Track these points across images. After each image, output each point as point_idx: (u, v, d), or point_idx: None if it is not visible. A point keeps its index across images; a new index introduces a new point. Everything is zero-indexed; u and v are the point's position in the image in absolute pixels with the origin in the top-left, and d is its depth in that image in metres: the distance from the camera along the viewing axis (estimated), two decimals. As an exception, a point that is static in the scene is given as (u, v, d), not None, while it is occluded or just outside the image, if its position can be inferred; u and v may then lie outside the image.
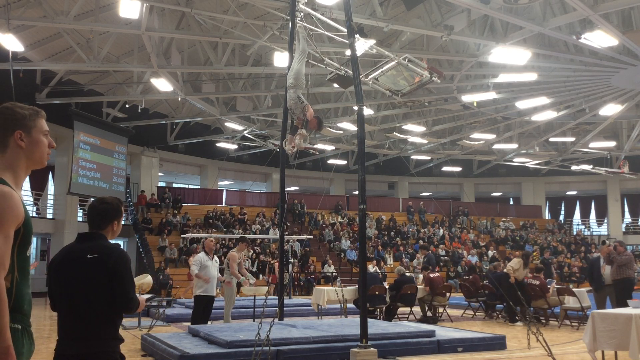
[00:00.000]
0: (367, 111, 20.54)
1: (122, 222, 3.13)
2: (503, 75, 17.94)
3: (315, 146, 18.14)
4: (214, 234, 20.48)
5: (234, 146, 26.42)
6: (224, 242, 21.47)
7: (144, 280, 11.45)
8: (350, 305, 11.94)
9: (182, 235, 20.49)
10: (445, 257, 25.40)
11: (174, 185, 29.76)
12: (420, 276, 15.67)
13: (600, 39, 13.74)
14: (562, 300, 11.78)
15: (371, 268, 16.02)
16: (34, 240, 17.57)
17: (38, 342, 2.27)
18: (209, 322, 9.68)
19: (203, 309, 9.25)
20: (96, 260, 2.82)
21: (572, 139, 26.57)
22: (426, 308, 12.81)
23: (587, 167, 26.47)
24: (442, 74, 11.42)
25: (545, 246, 27.81)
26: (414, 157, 29.68)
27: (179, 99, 19.46)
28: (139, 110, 20.18)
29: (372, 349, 6.89)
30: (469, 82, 19.69)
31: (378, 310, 12.16)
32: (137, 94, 19.73)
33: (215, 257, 9.64)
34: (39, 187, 22.27)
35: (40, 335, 10.16)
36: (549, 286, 11.93)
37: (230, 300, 10.09)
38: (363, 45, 10.78)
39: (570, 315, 11.70)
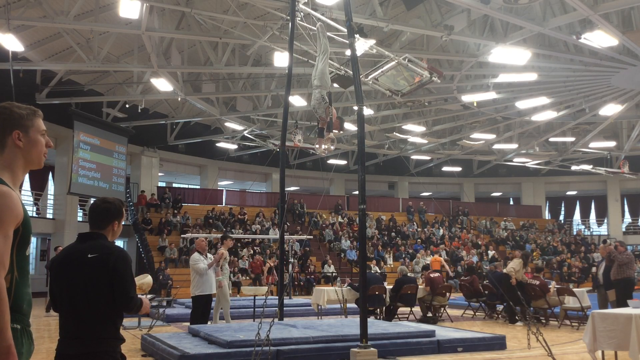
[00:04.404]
0: (367, 111, 20.54)
1: (122, 223, 3.13)
2: (503, 75, 17.92)
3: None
4: (213, 234, 20.50)
5: (234, 146, 26.41)
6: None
7: (144, 280, 11.44)
8: (351, 305, 11.94)
9: (182, 235, 20.49)
10: (445, 257, 25.39)
11: (174, 185, 29.73)
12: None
13: (600, 39, 13.73)
14: (562, 300, 11.78)
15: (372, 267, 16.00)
16: (33, 240, 17.53)
17: (37, 342, 2.27)
18: (208, 322, 9.69)
19: (202, 308, 9.26)
20: (96, 260, 2.82)
21: (572, 139, 26.55)
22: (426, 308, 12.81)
23: (587, 167, 26.43)
24: (442, 74, 11.44)
25: (545, 246, 27.82)
26: (414, 157, 29.65)
27: (179, 99, 19.45)
28: (139, 110, 20.16)
29: (372, 349, 6.89)
30: (469, 82, 19.69)
31: (378, 310, 12.16)
32: (137, 94, 19.71)
33: (210, 256, 9.69)
34: (39, 187, 22.27)
35: (39, 335, 10.16)
36: (549, 287, 11.93)
37: (224, 300, 10.13)
38: (363, 45, 10.79)
39: (570, 315, 11.69)
